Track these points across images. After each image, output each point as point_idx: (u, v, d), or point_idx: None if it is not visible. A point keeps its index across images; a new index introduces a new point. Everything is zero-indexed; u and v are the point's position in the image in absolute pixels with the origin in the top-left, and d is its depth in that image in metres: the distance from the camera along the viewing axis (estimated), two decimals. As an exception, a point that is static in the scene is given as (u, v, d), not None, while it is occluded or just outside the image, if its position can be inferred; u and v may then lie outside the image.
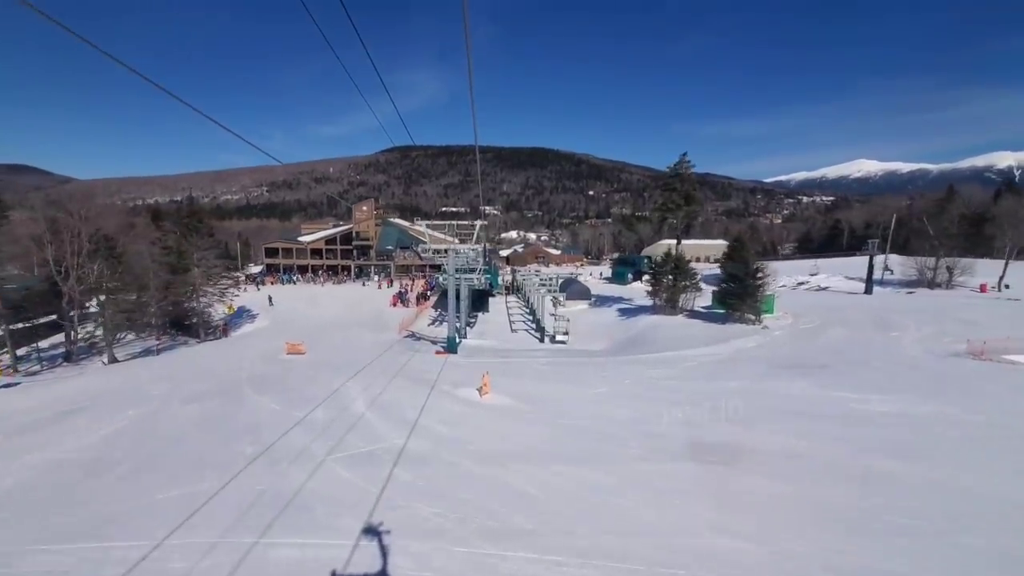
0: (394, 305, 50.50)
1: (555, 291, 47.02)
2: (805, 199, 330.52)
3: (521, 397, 19.98)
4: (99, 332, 33.70)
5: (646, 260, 67.96)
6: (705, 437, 15.16)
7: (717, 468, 13.08)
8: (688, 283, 39.48)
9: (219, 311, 51.31)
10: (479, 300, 53.46)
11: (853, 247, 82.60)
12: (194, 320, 42.03)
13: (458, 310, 40.79)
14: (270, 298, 53.06)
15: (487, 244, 31.04)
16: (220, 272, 43.18)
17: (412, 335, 38.27)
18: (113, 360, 31.65)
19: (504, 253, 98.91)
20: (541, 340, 38.89)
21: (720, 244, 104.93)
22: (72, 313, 32.85)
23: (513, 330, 42.70)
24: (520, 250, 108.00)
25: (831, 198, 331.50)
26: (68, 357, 33.00)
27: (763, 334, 30.96)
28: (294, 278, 63.94)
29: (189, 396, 20.64)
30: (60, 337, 35.69)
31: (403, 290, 53.83)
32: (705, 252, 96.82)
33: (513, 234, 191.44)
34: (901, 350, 25.17)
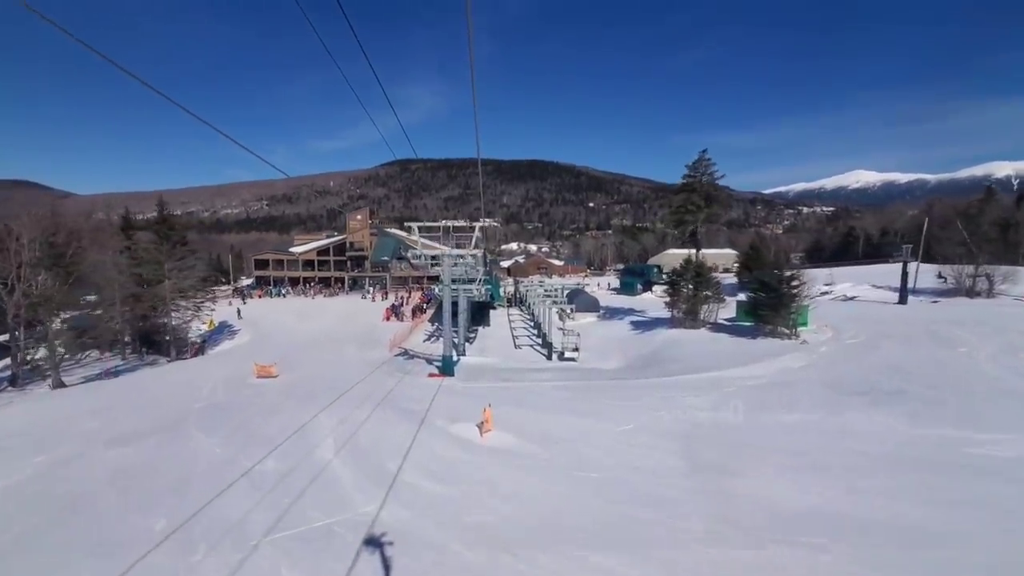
0: (387, 319, 46.42)
1: (561, 303, 42.96)
2: (805, 209, 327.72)
3: (530, 435, 15.85)
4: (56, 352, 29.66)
5: (656, 269, 63.95)
6: (787, 502, 11.02)
7: (823, 558, 8.94)
8: (711, 293, 35.43)
9: (199, 327, 47.47)
10: (479, 313, 49.38)
11: (869, 255, 78.52)
12: (166, 337, 37.97)
13: (456, 325, 36.76)
14: (239, 311, 49.15)
15: (487, 252, 27.16)
16: (195, 284, 39.11)
17: (405, 352, 34.15)
18: (59, 385, 27.51)
19: (505, 264, 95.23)
20: (548, 357, 34.75)
21: (729, 253, 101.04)
22: (18, 331, 28.79)
23: (517, 346, 38.57)
24: (521, 261, 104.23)
25: (831, 208, 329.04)
26: (13, 381, 28.87)
27: (805, 351, 26.84)
28: (283, 291, 59.94)
29: (119, 436, 16.50)
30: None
31: (398, 303, 49.78)
32: (713, 261, 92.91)
33: (513, 246, 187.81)
34: (980, 370, 21.05)
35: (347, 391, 21.06)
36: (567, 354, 34.13)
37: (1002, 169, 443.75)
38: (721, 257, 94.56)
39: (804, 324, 31.66)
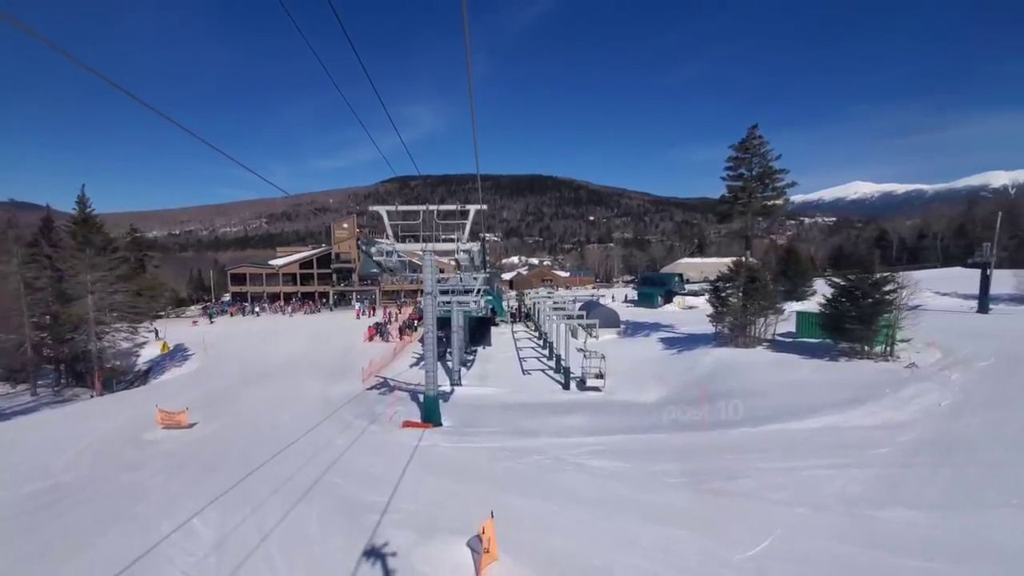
0: (370, 339, 38.69)
1: (576, 317, 35.27)
2: (807, 220, 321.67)
3: (565, 572, 8.08)
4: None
5: (677, 278, 56.24)
6: None
7: None
8: (768, 303, 27.75)
9: (152, 350, 39.88)
10: (479, 331, 41.54)
11: (904, 260, 70.76)
12: (93, 366, 30.25)
13: (449, 347, 29.13)
14: (156, 331, 41.58)
15: (486, 254, 19.85)
16: (128, 300, 31.48)
17: (383, 384, 26.36)
18: None
19: (507, 276, 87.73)
20: (565, 386, 26.99)
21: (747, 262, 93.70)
22: None
23: (525, 371, 30.79)
24: (524, 272, 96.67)
25: (832, 219, 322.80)
26: None
27: (929, 380, 19.04)
28: (256, 308, 52.26)
29: None
30: None
31: (384, 320, 42.04)
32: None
33: (514, 259, 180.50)
34: None
35: (272, 457, 13.32)
36: (589, 382, 26.41)
37: (999, 179, 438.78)
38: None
39: (900, 341, 23.92)
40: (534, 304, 42.82)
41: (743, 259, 29.18)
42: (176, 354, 38.39)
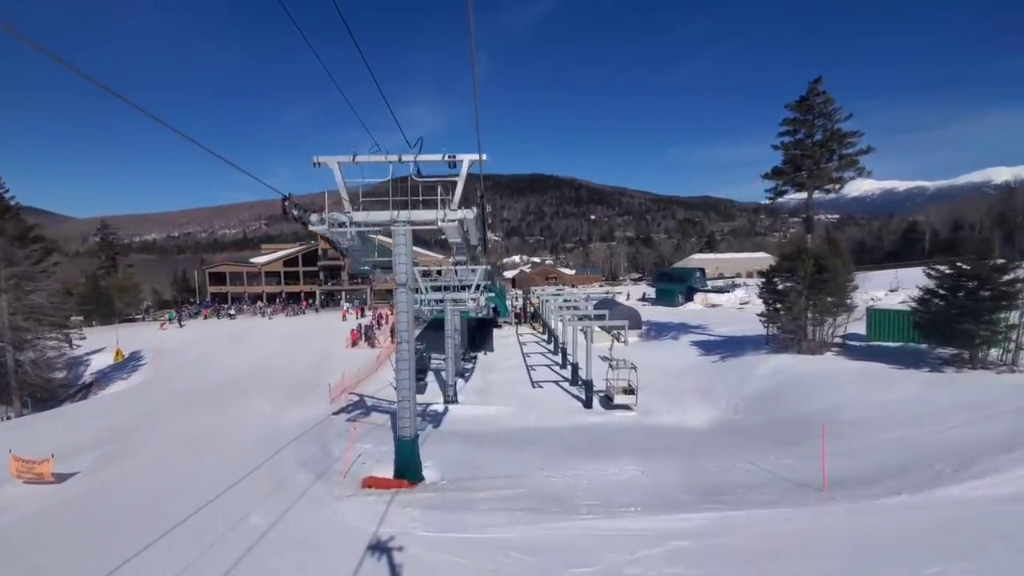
0: (353, 344, 33.12)
1: (594, 317, 29.65)
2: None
3: None
4: None
5: (698, 274, 50.46)
6: None
7: None
8: (839, 299, 22.08)
9: (104, 359, 34.50)
10: (479, 334, 36.07)
11: (937, 254, 64.47)
12: (10, 380, 24.69)
13: (441, 353, 23.70)
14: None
15: (487, 225, 14.55)
16: (55, 302, 25.93)
17: (358, 403, 20.74)
18: None
19: (509, 275, 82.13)
20: (587, 404, 21.39)
21: (761, 257, 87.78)
22: None
23: (535, 383, 25.16)
24: (527, 270, 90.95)
25: (836, 216, 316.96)
26: None
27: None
28: (231, 310, 46.64)
29: None
30: None
31: (371, 322, 36.45)
32: (746, 267, 79.21)
33: (516, 258, 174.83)
34: None
35: (136, 555, 7.70)
36: (617, 398, 20.80)
37: (1001, 174, 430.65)
38: (752, 262, 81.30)
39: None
40: (542, 302, 37.23)
41: (804, 243, 23.51)
42: (129, 363, 32.85)
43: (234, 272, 55.25)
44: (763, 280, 24.87)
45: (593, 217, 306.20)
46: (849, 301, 22.58)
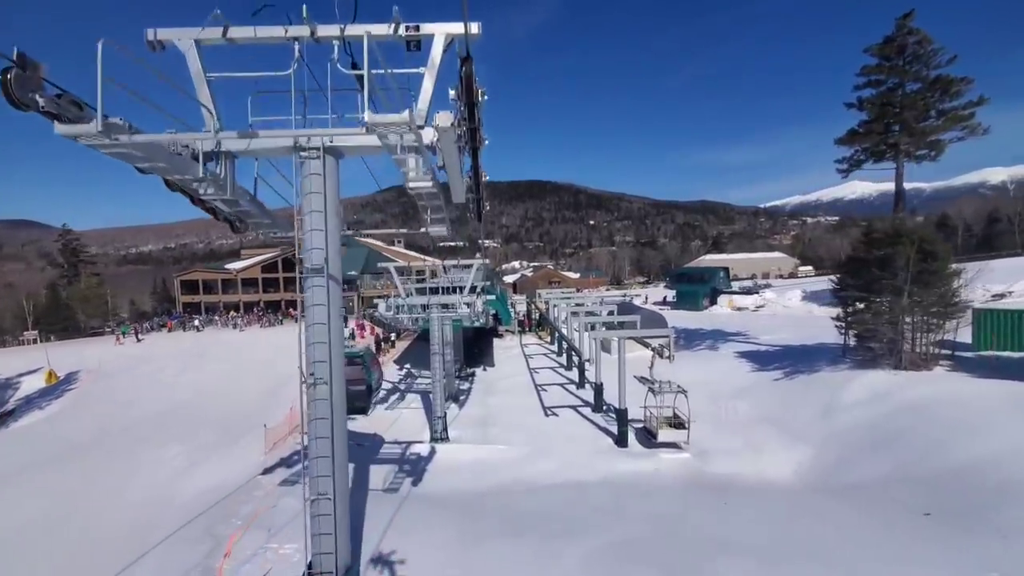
0: (326, 362, 27.46)
1: (619, 324, 24.15)
2: (810, 220, 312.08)
3: None
4: None
5: (722, 274, 44.78)
6: None
7: None
8: (948, 298, 16.54)
9: (36, 381, 29.14)
10: (477, 346, 30.57)
11: (972, 249, 58.95)
12: None
13: (429, 374, 18.29)
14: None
15: (482, 176, 9.68)
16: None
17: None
18: None
19: (510, 279, 76.65)
20: (620, 441, 15.83)
21: (779, 258, 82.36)
22: None
23: (548, 409, 19.59)
24: (529, 274, 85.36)
25: (836, 218, 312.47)
26: None
27: None
28: (196, 322, 40.95)
29: None
30: None
31: (347, 335, 30.78)
32: (762, 268, 73.46)
33: (515, 264, 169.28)
34: None
35: None
36: (662, 434, 15.24)
37: (997, 175, 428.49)
38: (769, 262, 75.88)
39: None
40: (551, 308, 31.69)
41: (902, 224, 18.04)
42: (60, 387, 27.28)
43: (208, 279, 49.68)
44: (838, 274, 19.38)
45: (592, 222, 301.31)
46: (959, 300, 17.06)
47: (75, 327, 49.61)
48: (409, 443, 16.27)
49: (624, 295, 43.79)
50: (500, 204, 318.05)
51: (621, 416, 15.94)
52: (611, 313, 27.16)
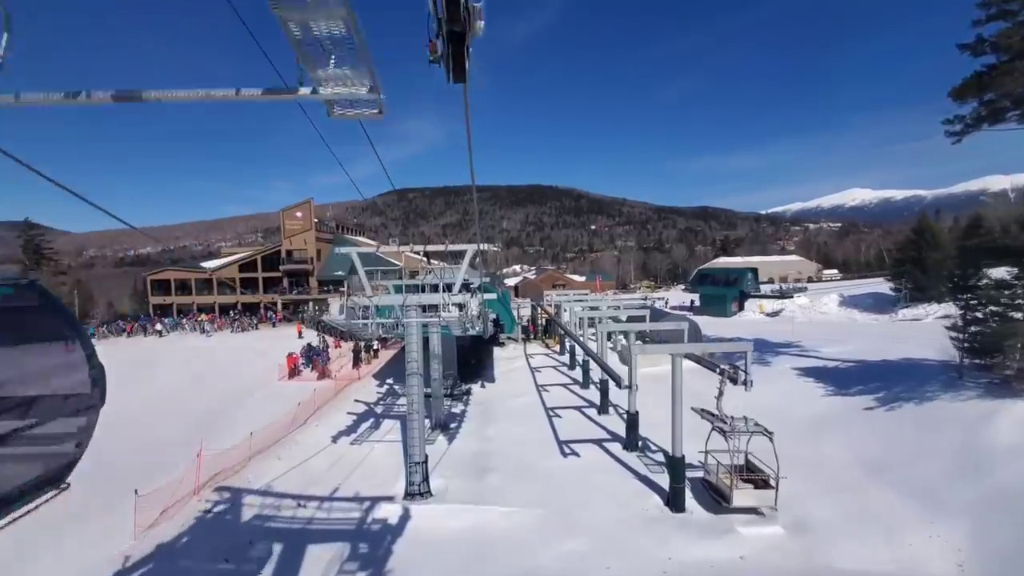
0: (290, 374, 22.66)
1: (661, 338, 19.38)
2: (812, 226, 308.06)
3: None
4: None
5: (750, 275, 39.85)
6: None
7: None
8: None
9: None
10: (475, 356, 25.69)
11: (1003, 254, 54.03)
12: None
13: (412, 394, 13.45)
14: None
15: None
16: None
17: (235, 505, 10.33)
18: None
19: (511, 282, 71.83)
20: (673, 503, 11.00)
21: (796, 260, 77.56)
22: None
23: (565, 447, 14.73)
24: (532, 277, 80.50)
25: (838, 224, 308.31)
26: None
27: None
28: (159, 326, 36.02)
29: None
30: None
31: (320, 344, 25.99)
32: (778, 272, 68.47)
33: (516, 267, 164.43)
34: None
35: None
36: (737, 496, 10.35)
37: (998, 183, 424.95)
38: (788, 265, 71.02)
39: None
40: (568, 312, 26.83)
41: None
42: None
43: (181, 279, 44.88)
44: (954, 270, 14.60)
45: (594, 227, 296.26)
46: None
47: (35, 331, 44.98)
48: (374, 501, 11.43)
49: (645, 299, 38.95)
50: (500, 209, 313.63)
51: (676, 468, 11.07)
52: (643, 320, 22.35)
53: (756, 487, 10.66)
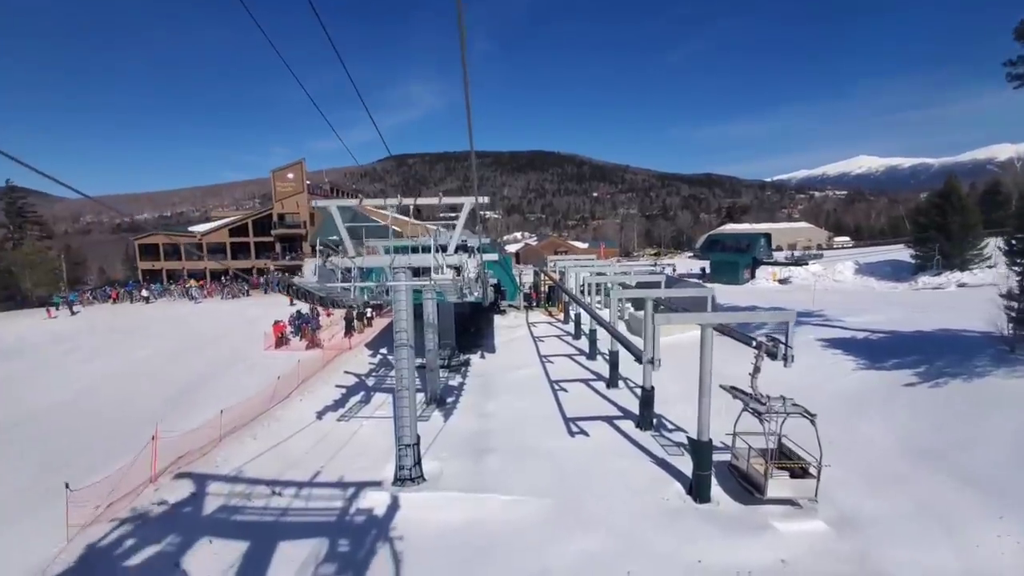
0: (276, 345, 21.28)
1: (687, 306, 17.88)
2: (817, 194, 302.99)
3: None
4: None
5: (763, 240, 37.89)
6: None
7: None
8: None
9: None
10: (474, 324, 24.31)
11: None
12: None
13: (401, 368, 11.94)
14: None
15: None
16: None
17: (193, 501, 9.04)
18: None
19: (512, 248, 69.80)
20: (698, 494, 9.69)
21: (806, 227, 75.42)
22: None
23: (572, 425, 13.41)
24: (533, 243, 78.46)
25: (844, 192, 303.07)
26: None
27: None
28: (145, 293, 34.52)
29: None
30: None
31: (311, 313, 24.47)
32: (788, 239, 66.42)
33: (517, 234, 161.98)
34: None
35: None
36: (772, 487, 9.00)
37: (1005, 152, 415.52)
38: (797, 232, 68.96)
39: None
40: (566, 277, 25.26)
41: None
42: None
43: (170, 244, 43.13)
44: (1012, 238, 12.90)
45: (596, 194, 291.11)
46: None
47: (21, 296, 43.57)
48: (360, 487, 10.14)
49: (655, 264, 37.22)
50: (502, 175, 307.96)
51: (701, 454, 9.67)
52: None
53: (793, 476, 9.31)
